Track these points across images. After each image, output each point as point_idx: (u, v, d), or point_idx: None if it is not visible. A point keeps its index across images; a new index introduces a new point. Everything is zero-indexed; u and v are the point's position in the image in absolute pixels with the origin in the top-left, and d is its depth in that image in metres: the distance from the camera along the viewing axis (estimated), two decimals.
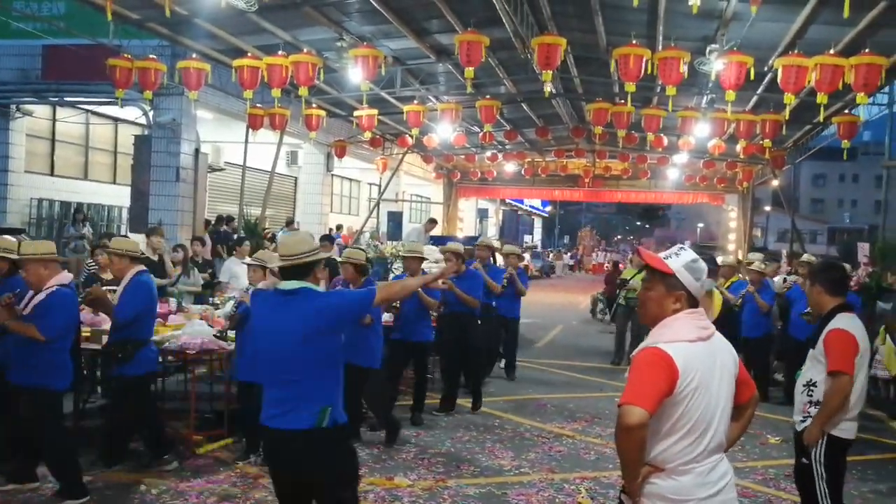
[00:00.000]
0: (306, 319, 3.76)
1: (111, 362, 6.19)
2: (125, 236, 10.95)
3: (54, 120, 17.54)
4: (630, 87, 10.38)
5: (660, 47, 11.33)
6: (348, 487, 3.98)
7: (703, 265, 3.07)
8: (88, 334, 6.94)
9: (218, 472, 6.33)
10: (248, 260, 6.51)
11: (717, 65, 10.90)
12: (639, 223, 75.25)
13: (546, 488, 6.32)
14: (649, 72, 10.21)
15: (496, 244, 11.72)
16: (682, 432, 2.93)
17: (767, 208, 49.16)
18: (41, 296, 5.55)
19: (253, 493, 5.87)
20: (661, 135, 17.02)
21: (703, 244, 43.58)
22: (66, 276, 5.77)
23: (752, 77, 10.34)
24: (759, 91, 14.27)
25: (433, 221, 19.58)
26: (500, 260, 11.51)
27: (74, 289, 5.97)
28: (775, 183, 23.54)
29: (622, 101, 14.17)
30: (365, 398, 7.49)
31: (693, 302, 3.05)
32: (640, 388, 2.86)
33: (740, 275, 11.17)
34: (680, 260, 3.07)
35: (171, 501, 5.65)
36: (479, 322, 9.15)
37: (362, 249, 8.34)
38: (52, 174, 17.58)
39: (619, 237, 72.67)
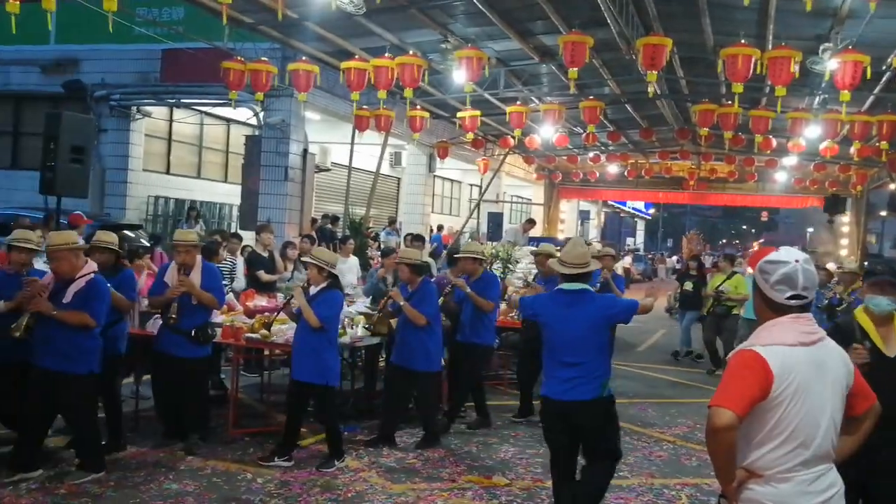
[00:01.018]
0: (591, 315, 5.02)
1: (187, 345, 6.59)
2: (235, 234, 11.40)
3: (171, 121, 18.25)
4: (738, 87, 10.08)
5: (769, 47, 10.96)
6: (615, 439, 5.35)
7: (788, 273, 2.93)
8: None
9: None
10: (305, 258, 6.74)
11: (830, 64, 10.46)
12: (745, 227, 72.92)
13: (645, 493, 6.25)
14: (758, 72, 9.90)
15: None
16: (779, 439, 2.83)
17: (883, 213, 46.69)
18: (80, 284, 5.73)
19: (354, 486, 6.01)
20: (770, 136, 16.45)
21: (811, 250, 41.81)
22: (93, 265, 5.98)
23: (868, 76, 9.87)
24: (875, 91, 13.62)
25: (531, 222, 19.51)
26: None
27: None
28: (893, 186, 22.41)
29: (729, 102, 13.76)
30: (416, 399, 7.65)
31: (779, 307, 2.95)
32: (731, 390, 2.82)
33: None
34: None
35: (276, 491, 5.85)
36: None
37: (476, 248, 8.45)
38: (168, 173, 18.28)
39: (724, 241, 70.51)
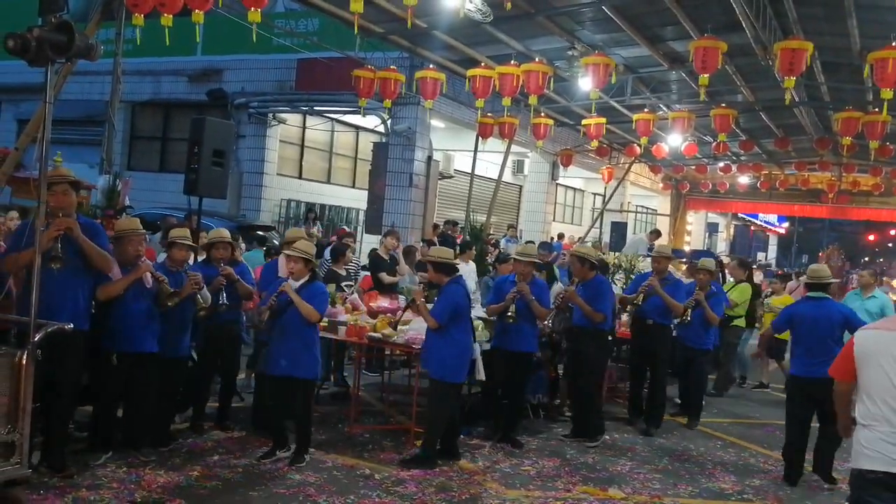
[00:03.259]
0: (833, 318, 6.82)
1: None
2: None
3: (304, 127, 18.97)
4: (887, 93, 9.47)
5: None
6: None
7: None
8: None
9: (436, 465, 6.55)
10: (288, 251, 6.56)
11: None
12: (890, 245, 68.63)
13: None
14: None
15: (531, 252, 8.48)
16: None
17: None
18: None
19: (469, 489, 6.01)
20: None
21: None
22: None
23: None
24: None
25: (656, 233, 19.04)
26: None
27: None
28: None
29: (876, 110, 12.96)
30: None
31: None
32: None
33: None
34: None
35: (392, 487, 5.92)
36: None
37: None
38: (300, 177, 18.99)
39: (866, 259, 66.57)
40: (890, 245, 67.83)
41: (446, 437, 6.78)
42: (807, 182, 25.40)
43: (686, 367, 8.96)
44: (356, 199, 19.00)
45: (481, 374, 6.71)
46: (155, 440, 6.30)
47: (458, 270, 6.94)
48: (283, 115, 17.91)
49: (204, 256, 7.20)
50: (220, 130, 9.13)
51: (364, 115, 14.88)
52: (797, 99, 14.72)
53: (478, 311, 8.28)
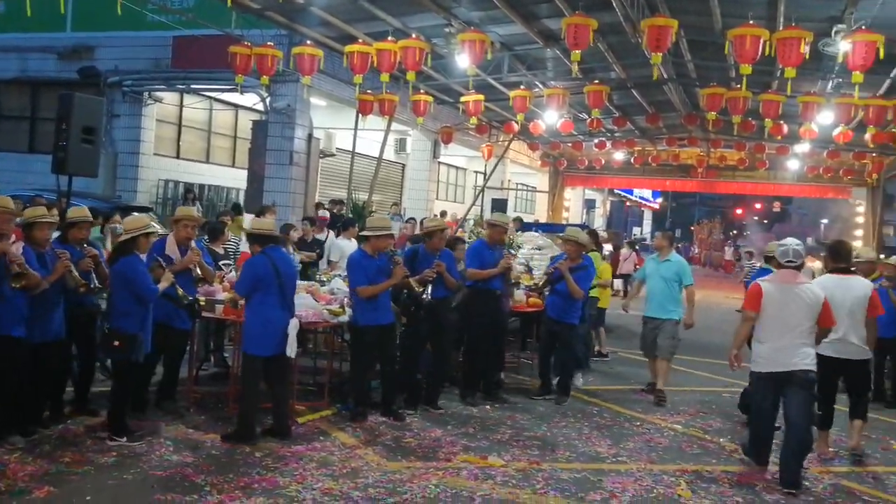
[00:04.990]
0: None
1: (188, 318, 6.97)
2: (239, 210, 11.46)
3: (181, 106, 18.40)
4: (746, 69, 9.97)
5: (780, 28, 10.85)
6: None
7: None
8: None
9: (317, 441, 6.54)
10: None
11: (843, 46, 10.33)
12: (756, 218, 72.49)
13: (644, 478, 6.19)
14: (767, 53, 9.78)
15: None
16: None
17: None
18: None
19: (350, 463, 6.02)
20: (781, 122, 16.32)
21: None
22: None
23: (881, 57, 9.71)
24: (892, 74, 13.47)
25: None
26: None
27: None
28: None
29: (738, 86, 13.63)
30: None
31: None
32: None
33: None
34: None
35: (273, 465, 5.87)
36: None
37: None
38: (177, 157, 18.46)
39: (735, 232, 70.01)
40: (756, 218, 71.42)
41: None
42: (677, 157, 26.52)
43: (551, 341, 8.91)
44: (236, 179, 18.60)
45: (291, 351, 6.50)
46: (23, 427, 6.02)
47: (276, 241, 6.83)
48: (159, 94, 17.33)
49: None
50: (89, 107, 8.82)
51: (242, 92, 14.57)
52: (665, 75, 15.33)
53: (339, 284, 8.33)
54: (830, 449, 7.27)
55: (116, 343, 6.09)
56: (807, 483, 6.29)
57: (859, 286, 7.03)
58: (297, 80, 13.34)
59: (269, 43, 12.24)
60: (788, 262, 6.36)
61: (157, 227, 10.07)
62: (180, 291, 6.57)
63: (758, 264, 13.81)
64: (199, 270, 7.08)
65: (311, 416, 7.24)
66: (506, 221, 9.05)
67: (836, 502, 5.95)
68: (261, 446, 6.25)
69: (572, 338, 8.79)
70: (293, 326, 6.53)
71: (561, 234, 9.75)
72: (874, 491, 6.30)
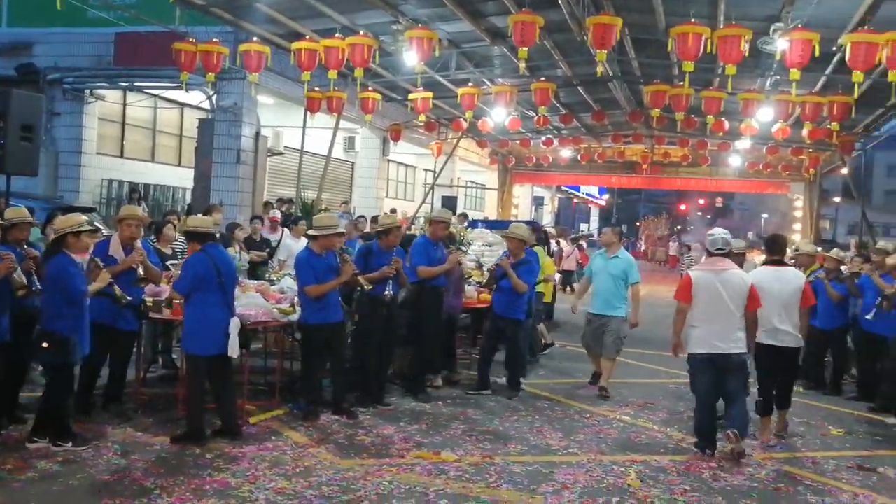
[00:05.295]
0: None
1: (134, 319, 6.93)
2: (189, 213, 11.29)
3: (125, 104, 18.06)
4: (688, 66, 10.18)
5: (721, 26, 11.10)
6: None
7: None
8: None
9: (269, 441, 6.50)
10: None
11: (780, 44, 10.61)
12: (699, 213, 73.85)
13: (594, 469, 6.29)
14: (709, 51, 10.01)
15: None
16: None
17: (837, 199, 47.65)
18: None
19: (302, 462, 6.00)
20: (722, 119, 16.68)
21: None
22: None
23: (817, 54, 10.00)
24: (826, 72, 13.86)
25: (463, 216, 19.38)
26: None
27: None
28: (844, 171, 22.84)
29: (681, 84, 13.91)
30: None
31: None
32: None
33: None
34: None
35: (224, 465, 5.81)
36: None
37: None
38: (121, 156, 18.12)
39: (679, 227, 71.23)
40: (700, 213, 72.70)
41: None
42: (623, 154, 26.92)
43: (496, 337, 8.99)
44: (182, 178, 18.32)
45: (234, 351, 6.41)
46: None
47: (213, 238, 6.71)
48: (102, 92, 16.97)
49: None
50: (27, 104, 8.66)
51: (187, 90, 14.36)
52: (610, 73, 15.53)
53: (289, 283, 8.30)
54: (773, 435, 7.49)
55: (45, 345, 5.91)
56: (750, 469, 6.48)
57: (793, 278, 7.47)
58: (244, 77, 13.25)
59: (214, 40, 12.10)
60: (718, 250, 6.87)
61: (101, 227, 9.91)
62: (118, 292, 6.38)
63: (695, 256, 14.03)
64: (141, 271, 6.88)
65: (263, 416, 7.19)
66: (448, 217, 9.11)
67: (779, 487, 6.11)
68: (211, 447, 6.19)
69: (518, 333, 8.85)
70: (234, 326, 6.43)
71: (503, 231, 9.81)
72: (813, 475, 6.50)
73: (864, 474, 6.60)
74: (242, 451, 6.15)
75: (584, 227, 51.77)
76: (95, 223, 11.29)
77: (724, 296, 6.68)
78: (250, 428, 6.78)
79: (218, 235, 10.07)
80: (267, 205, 15.97)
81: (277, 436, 6.66)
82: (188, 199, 17.06)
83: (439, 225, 8.68)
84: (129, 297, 6.57)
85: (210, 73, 12.12)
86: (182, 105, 19.12)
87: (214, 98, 15.75)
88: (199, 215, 7.83)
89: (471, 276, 10.25)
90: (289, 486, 5.46)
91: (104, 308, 6.49)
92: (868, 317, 8.99)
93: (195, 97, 16.92)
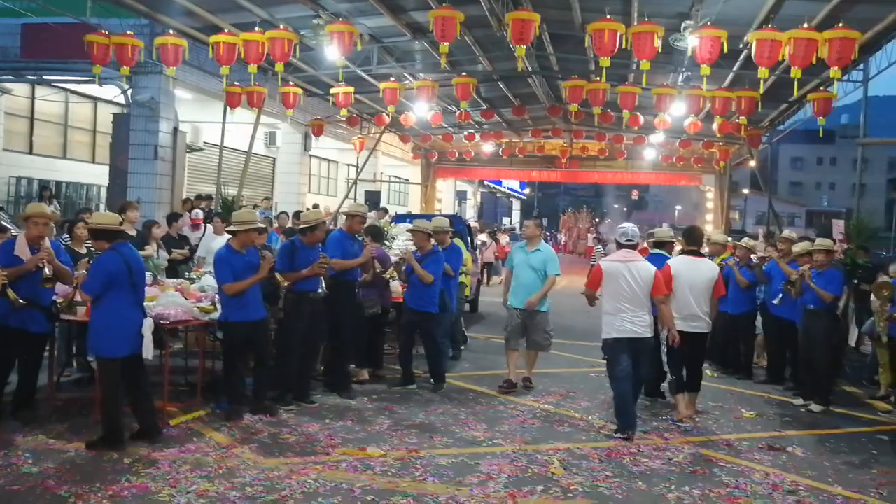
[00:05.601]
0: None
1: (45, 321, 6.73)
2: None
3: (33, 98, 17.42)
4: (605, 61, 10.41)
5: (635, 23, 11.38)
6: None
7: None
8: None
9: (191, 442, 6.38)
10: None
11: (691, 41, 10.95)
12: (616, 206, 75.46)
13: (519, 458, 6.38)
14: (624, 46, 10.25)
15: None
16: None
17: (746, 191, 49.41)
18: None
19: (226, 463, 5.91)
20: (637, 113, 17.08)
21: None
22: None
23: (725, 51, 10.35)
24: (734, 68, 14.36)
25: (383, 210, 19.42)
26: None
27: None
28: (752, 163, 23.70)
29: (598, 79, 14.21)
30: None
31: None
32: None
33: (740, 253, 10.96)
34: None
35: (143, 470, 5.67)
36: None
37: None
38: (31, 153, 17.50)
39: (597, 220, 72.64)
40: (616, 206, 74.14)
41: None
42: (542, 149, 27.31)
43: (411, 331, 9.01)
44: (97, 175, 17.82)
45: (148, 352, 6.25)
46: None
47: (122, 236, 6.49)
48: (8, 86, 16.34)
49: None
50: None
51: (101, 84, 13.93)
52: (529, 68, 15.75)
53: (211, 281, 8.17)
54: (688, 414, 7.86)
55: None
56: (668, 454, 6.68)
57: (707, 269, 8.05)
58: (161, 71, 12.93)
59: (128, 32, 11.76)
60: (627, 241, 7.37)
61: (9, 227, 9.55)
62: (11, 294, 6.11)
63: (611, 249, 14.40)
64: (48, 270, 6.50)
65: (184, 418, 7.05)
66: (364, 211, 9.07)
67: (696, 470, 6.32)
68: (130, 452, 6.03)
69: (433, 326, 8.87)
70: (148, 326, 6.27)
71: (409, 226, 9.83)
72: (728, 457, 6.74)
73: (775, 454, 6.88)
74: (163, 455, 6.02)
75: (506, 220, 52.35)
76: (3, 222, 10.94)
77: (633, 284, 7.15)
78: (171, 430, 6.64)
79: (134, 233, 9.92)
80: (186, 201, 15.65)
81: (199, 437, 6.54)
82: (104, 196, 16.58)
83: (355, 218, 8.68)
84: (21, 301, 6.30)
85: (124, 67, 11.81)
86: (95, 99, 18.59)
87: (130, 92, 15.33)
88: (106, 212, 7.55)
89: (392, 276, 10.15)
90: (211, 488, 5.37)
91: (12, 311, 6.26)
92: (775, 302, 9.48)
93: (109, 91, 16.45)
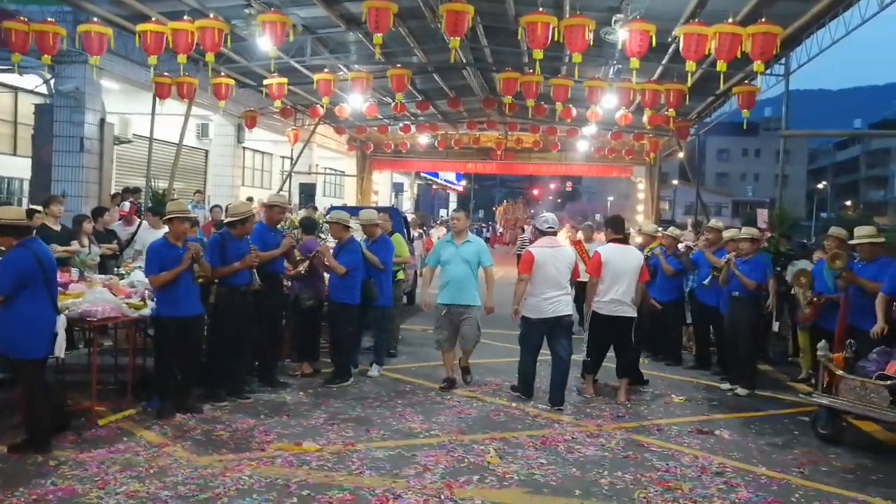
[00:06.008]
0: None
1: None
2: (31, 209, 10.58)
3: None
4: (538, 54, 10.50)
5: (567, 16, 11.49)
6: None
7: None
8: None
9: (121, 442, 6.24)
10: None
11: (621, 34, 11.12)
12: (551, 198, 76.32)
13: (455, 449, 6.42)
14: (556, 39, 10.35)
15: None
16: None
17: (675, 182, 50.55)
18: None
19: (157, 462, 5.80)
20: (570, 106, 17.29)
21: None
22: None
23: (654, 44, 10.56)
24: (663, 62, 14.64)
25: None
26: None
27: None
28: (681, 155, 24.16)
29: (531, 71, 14.32)
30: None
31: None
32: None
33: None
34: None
35: (70, 472, 5.52)
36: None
37: None
38: None
39: (533, 211, 73.32)
40: (551, 198, 75.05)
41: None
42: (478, 141, 27.41)
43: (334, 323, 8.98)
44: (19, 168, 17.17)
45: (60, 350, 6.04)
46: None
47: (29, 232, 6.17)
48: None
49: None
50: None
51: (21, 73, 13.46)
52: (464, 60, 15.80)
53: (140, 277, 8.00)
54: (623, 401, 8.22)
55: None
56: (601, 440, 6.82)
57: (634, 256, 8.50)
58: (86, 60, 12.57)
59: (49, 19, 11.41)
60: (549, 228, 8.23)
61: None
62: None
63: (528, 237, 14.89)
64: None
65: (114, 417, 6.88)
66: (284, 202, 9.08)
67: (628, 455, 6.46)
68: (56, 454, 5.87)
69: (345, 317, 8.82)
70: (61, 324, 6.06)
71: (328, 217, 9.77)
72: (659, 441, 6.91)
73: (703, 437, 7.09)
74: (90, 456, 5.87)
75: (443, 212, 52.42)
76: None
77: (558, 268, 7.99)
78: (100, 430, 6.49)
79: (59, 228, 9.64)
80: (115, 196, 15.27)
81: (130, 436, 6.41)
82: (27, 190, 16.04)
83: (274, 210, 8.64)
84: None
85: (46, 56, 11.46)
86: (16, 89, 17.89)
87: (52, 82, 14.87)
88: (12, 206, 7.23)
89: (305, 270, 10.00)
90: (142, 488, 5.27)
91: None
92: (705, 282, 9.89)
93: (30, 81, 15.90)
